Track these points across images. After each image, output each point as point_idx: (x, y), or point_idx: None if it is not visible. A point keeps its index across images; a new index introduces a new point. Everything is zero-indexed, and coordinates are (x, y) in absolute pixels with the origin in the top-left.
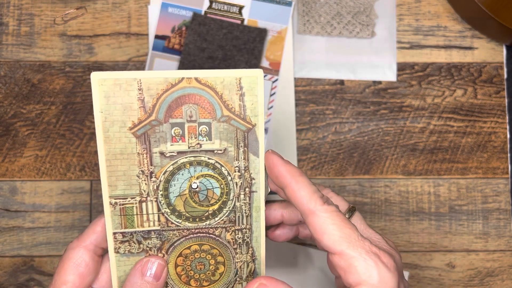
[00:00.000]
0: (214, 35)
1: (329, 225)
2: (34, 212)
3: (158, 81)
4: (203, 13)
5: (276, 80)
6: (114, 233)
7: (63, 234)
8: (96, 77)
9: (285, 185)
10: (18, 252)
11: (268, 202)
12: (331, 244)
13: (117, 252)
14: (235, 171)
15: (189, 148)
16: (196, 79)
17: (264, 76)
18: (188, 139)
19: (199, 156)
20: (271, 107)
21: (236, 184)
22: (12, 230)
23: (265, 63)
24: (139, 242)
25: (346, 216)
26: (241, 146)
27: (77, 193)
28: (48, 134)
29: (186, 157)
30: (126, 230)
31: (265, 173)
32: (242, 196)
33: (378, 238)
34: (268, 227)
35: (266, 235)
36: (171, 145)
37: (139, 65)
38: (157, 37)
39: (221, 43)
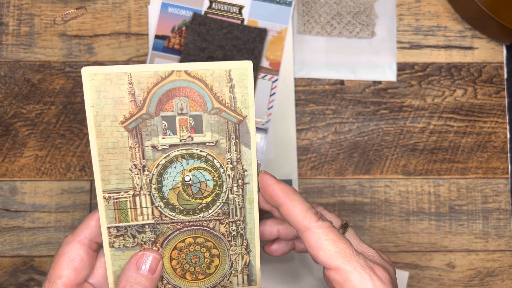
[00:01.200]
0: (214, 35)
1: (324, 241)
2: (34, 212)
3: (148, 74)
4: (203, 13)
5: (276, 80)
6: (109, 228)
7: (63, 234)
8: (86, 72)
9: (280, 203)
10: (18, 252)
11: (263, 218)
12: (327, 259)
13: (112, 247)
14: (227, 163)
15: (180, 141)
16: (186, 71)
17: (264, 76)
18: (180, 132)
19: (191, 149)
20: (271, 107)
21: (229, 176)
22: (12, 230)
23: (265, 63)
24: (134, 236)
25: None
26: (233, 138)
27: (77, 193)
28: (48, 134)
29: (178, 150)
30: (120, 224)
31: (257, 165)
32: (235, 188)
33: (371, 252)
34: (265, 242)
35: (263, 250)
36: (163, 138)
37: None
38: (157, 37)
39: (221, 43)
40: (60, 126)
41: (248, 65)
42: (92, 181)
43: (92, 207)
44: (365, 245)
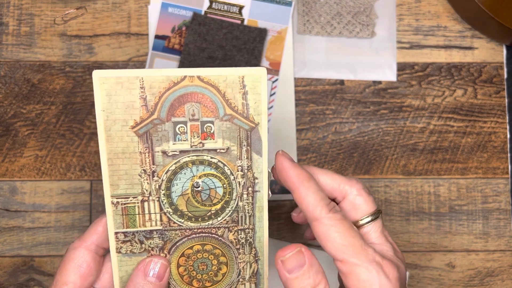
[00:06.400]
0: (214, 35)
1: (332, 233)
2: (34, 212)
3: (161, 79)
4: (203, 13)
5: (276, 80)
6: (116, 233)
7: (63, 234)
8: (97, 75)
9: (293, 189)
10: (18, 252)
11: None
12: (334, 251)
13: (119, 252)
14: (238, 171)
15: (191, 147)
16: (198, 77)
17: None
18: (191, 138)
19: (202, 155)
20: (271, 107)
21: (239, 184)
22: (12, 230)
23: (265, 63)
24: (141, 242)
25: (368, 219)
26: (244, 145)
27: (77, 193)
28: (48, 134)
29: (188, 156)
30: (128, 230)
31: (268, 175)
32: (245, 195)
33: (387, 246)
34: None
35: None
36: (173, 144)
37: (139, 65)
38: (157, 37)
39: (221, 43)
40: (60, 126)
41: (262, 71)
42: (92, 181)
43: (92, 207)
44: (383, 239)
